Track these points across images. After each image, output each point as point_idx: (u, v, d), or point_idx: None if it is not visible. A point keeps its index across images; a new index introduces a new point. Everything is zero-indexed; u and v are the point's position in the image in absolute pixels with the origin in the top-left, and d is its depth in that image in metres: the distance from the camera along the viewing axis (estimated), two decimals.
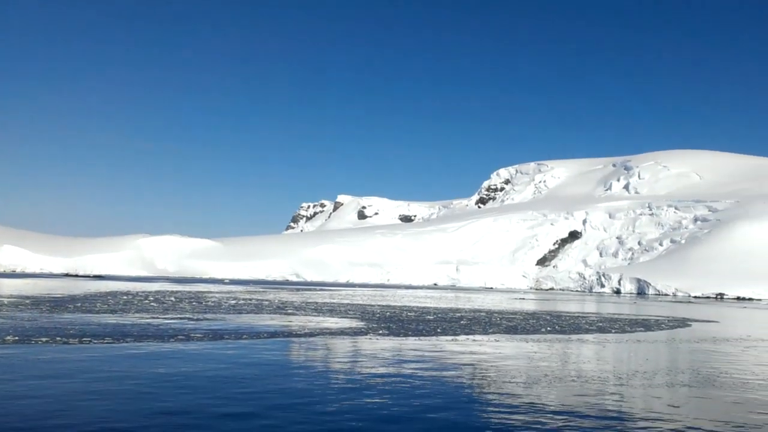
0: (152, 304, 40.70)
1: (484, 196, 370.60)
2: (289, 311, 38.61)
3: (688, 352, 24.07)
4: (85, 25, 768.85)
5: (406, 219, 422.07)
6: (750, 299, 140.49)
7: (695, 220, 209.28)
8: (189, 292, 66.34)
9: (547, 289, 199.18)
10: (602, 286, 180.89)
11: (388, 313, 39.30)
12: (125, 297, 47.93)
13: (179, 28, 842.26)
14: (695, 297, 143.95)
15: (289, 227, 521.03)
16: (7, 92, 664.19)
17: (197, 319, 29.78)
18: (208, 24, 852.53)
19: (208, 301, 46.32)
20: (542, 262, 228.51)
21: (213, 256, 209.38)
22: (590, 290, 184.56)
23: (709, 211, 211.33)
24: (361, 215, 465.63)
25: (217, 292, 67.34)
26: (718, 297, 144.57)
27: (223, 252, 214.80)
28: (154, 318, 29.59)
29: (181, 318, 30.32)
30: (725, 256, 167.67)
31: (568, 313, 50.81)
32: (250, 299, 52.89)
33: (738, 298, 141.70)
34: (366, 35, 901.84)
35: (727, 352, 24.10)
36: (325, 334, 24.77)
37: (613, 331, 32.37)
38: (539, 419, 11.53)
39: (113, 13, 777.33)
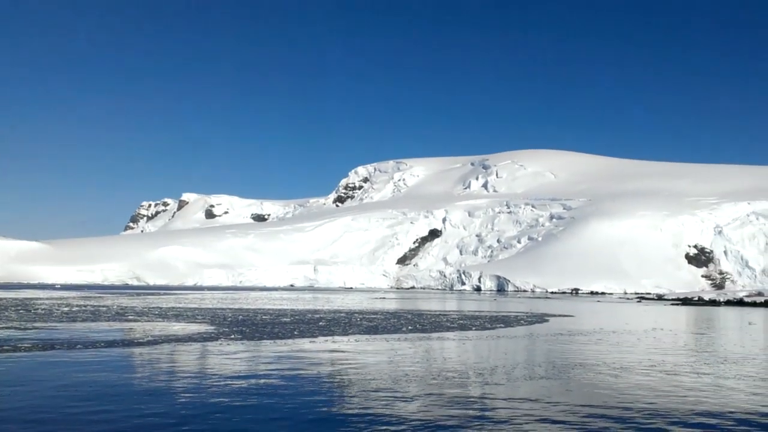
0: None
1: (342, 195, 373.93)
2: (130, 317, 36.92)
3: (546, 345, 25.56)
4: None
5: (259, 218, 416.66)
6: (602, 293, 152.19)
7: (551, 217, 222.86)
8: (15, 299, 61.82)
9: (408, 288, 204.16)
10: (463, 283, 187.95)
11: (240, 317, 38.61)
12: None
13: None
14: (552, 293, 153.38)
15: (127, 228, 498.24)
16: None
17: (25, 328, 27.77)
18: None
19: (37, 309, 43.31)
20: (403, 260, 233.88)
21: (42, 259, 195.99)
22: (451, 288, 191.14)
23: (564, 209, 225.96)
24: (210, 214, 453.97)
25: (47, 299, 63.14)
26: (574, 292, 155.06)
27: (53, 255, 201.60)
28: None
29: (6, 328, 28.15)
30: (579, 253, 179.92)
31: (429, 311, 52.29)
32: (85, 305, 50.03)
33: (592, 293, 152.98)
34: (202, 28, 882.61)
35: (581, 345, 25.85)
36: (171, 341, 23.89)
37: (474, 328, 33.71)
38: (400, 417, 11.76)
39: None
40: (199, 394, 13.62)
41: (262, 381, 15.40)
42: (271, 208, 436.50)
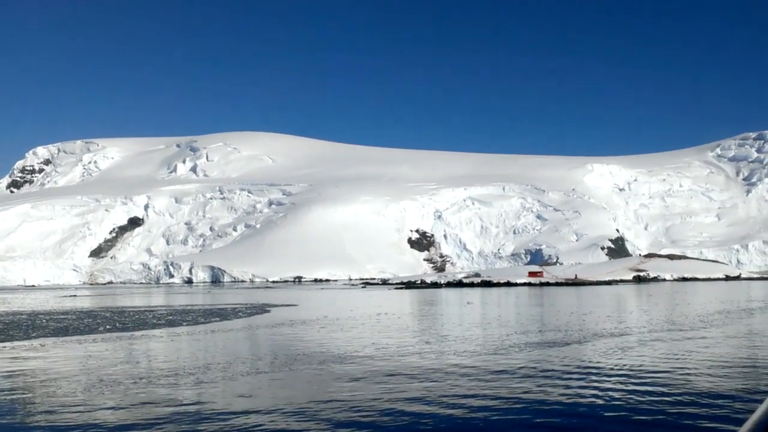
0: None
1: (18, 179, 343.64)
2: None
3: (268, 337, 25.87)
4: None
5: None
6: (327, 280, 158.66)
7: (270, 203, 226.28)
8: None
9: (105, 284, 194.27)
10: (171, 276, 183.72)
11: None
12: None
13: None
14: (273, 282, 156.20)
15: None
16: None
17: None
18: None
19: None
20: (97, 253, 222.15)
21: None
22: (157, 282, 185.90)
23: (284, 194, 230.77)
24: None
25: None
26: (297, 280, 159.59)
27: None
28: None
29: None
30: (301, 239, 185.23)
31: (132, 308, 50.34)
32: None
33: (316, 280, 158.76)
34: None
35: (304, 334, 26.60)
36: None
37: (185, 323, 33.06)
38: (98, 429, 11.09)
39: None
40: None
41: None
42: None
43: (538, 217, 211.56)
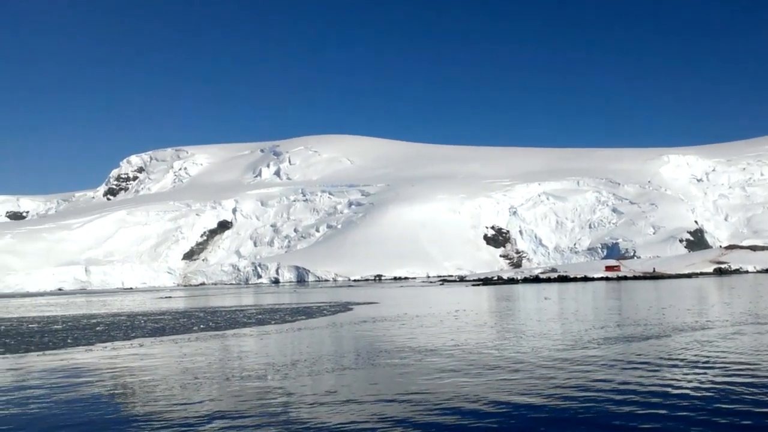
0: None
1: (114, 187, 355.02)
2: None
3: (350, 334, 26.16)
4: None
5: (16, 216, 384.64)
6: (406, 278, 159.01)
7: (349, 204, 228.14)
8: None
9: (197, 285, 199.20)
10: (259, 276, 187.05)
11: (2, 327, 35.61)
12: None
13: None
14: (355, 280, 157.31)
15: None
16: None
17: None
18: None
19: None
20: (190, 256, 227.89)
21: None
22: (246, 282, 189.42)
23: (363, 195, 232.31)
24: None
25: None
26: (377, 279, 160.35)
27: None
28: None
29: None
30: (380, 239, 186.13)
31: (223, 307, 51.45)
32: None
33: (395, 278, 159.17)
34: None
35: (385, 331, 26.74)
36: None
37: (274, 322, 33.64)
38: (197, 423, 11.45)
39: None
40: None
41: (31, 403, 14.21)
42: (29, 204, 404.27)
43: (614, 210, 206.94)
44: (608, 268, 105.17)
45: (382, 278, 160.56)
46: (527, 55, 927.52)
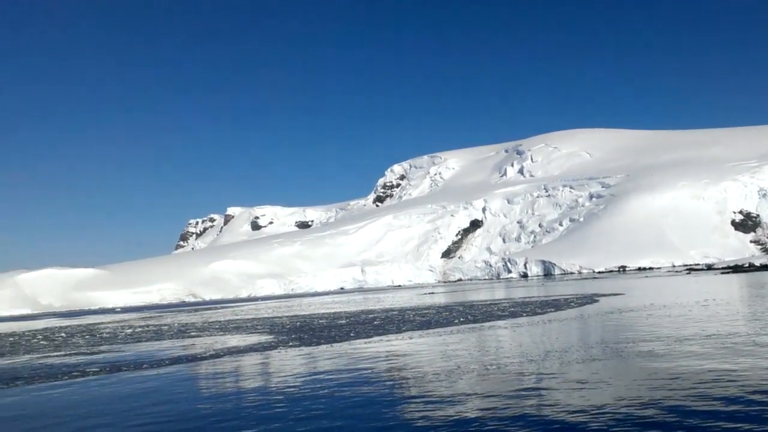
0: (41, 342, 38.72)
1: (381, 194, 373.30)
2: (192, 334, 37.67)
3: (599, 326, 25.41)
4: None
5: (303, 225, 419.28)
6: (650, 268, 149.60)
7: (590, 197, 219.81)
8: (79, 325, 63.43)
9: (455, 281, 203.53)
10: (509, 271, 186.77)
11: (297, 323, 39.10)
12: (11, 339, 45.21)
13: None
14: (599, 272, 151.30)
15: (178, 246, 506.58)
16: None
17: (93, 353, 28.61)
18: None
19: (102, 333, 44.50)
20: (447, 254, 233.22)
21: (100, 284, 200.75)
22: (498, 277, 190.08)
23: (603, 187, 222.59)
24: (255, 226, 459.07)
25: (110, 323, 64.71)
26: (621, 270, 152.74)
27: (110, 279, 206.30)
28: (45, 357, 28.20)
29: (75, 353, 29.03)
30: (623, 230, 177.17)
31: (479, 302, 52.21)
32: (147, 326, 51.17)
33: (639, 269, 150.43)
34: (227, 34, 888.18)
35: (632, 322, 25.61)
36: (233, 353, 24.38)
37: (525, 314, 33.61)
38: (462, 408, 11.92)
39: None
40: (267, 403, 13.94)
41: (326, 385, 15.66)
42: (313, 214, 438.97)
43: None
44: None
45: (626, 269, 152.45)
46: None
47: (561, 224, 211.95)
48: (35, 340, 41.10)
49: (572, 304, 39.68)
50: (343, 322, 37.36)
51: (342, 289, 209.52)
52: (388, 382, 15.48)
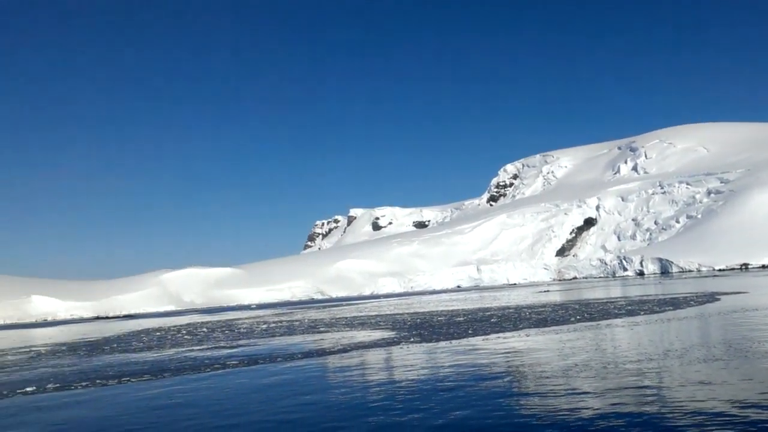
0: (186, 337, 41.05)
1: (494, 194, 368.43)
2: (321, 329, 38.81)
3: (720, 325, 24.03)
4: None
5: (420, 225, 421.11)
6: None
7: (708, 193, 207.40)
8: (219, 321, 66.62)
9: (570, 279, 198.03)
10: (625, 269, 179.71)
11: (418, 320, 39.40)
12: (158, 333, 48.35)
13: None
14: (720, 270, 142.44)
15: (306, 246, 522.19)
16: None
17: (232, 347, 30.09)
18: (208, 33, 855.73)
19: (239, 328, 46.64)
20: (561, 252, 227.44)
21: (237, 283, 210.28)
22: (613, 275, 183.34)
23: (721, 182, 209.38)
24: (376, 226, 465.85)
25: (246, 319, 67.65)
26: (743, 267, 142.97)
27: (246, 278, 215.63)
28: (189, 350, 29.93)
29: (216, 347, 30.63)
30: (744, 226, 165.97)
31: (595, 300, 50.65)
32: (280, 321, 53.15)
33: (763, 266, 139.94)
34: (358, 39, 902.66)
35: (757, 322, 24.02)
36: (359, 348, 24.96)
37: (642, 313, 32.29)
38: (581, 405, 11.68)
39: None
40: (392, 394, 14.21)
41: (446, 379, 15.76)
42: (429, 214, 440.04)
43: None
44: None
45: (749, 267, 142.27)
46: None
47: (677, 221, 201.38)
48: (180, 335, 43.54)
49: (692, 302, 37.68)
50: (461, 319, 37.30)
51: (458, 287, 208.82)
52: (506, 378, 15.37)
